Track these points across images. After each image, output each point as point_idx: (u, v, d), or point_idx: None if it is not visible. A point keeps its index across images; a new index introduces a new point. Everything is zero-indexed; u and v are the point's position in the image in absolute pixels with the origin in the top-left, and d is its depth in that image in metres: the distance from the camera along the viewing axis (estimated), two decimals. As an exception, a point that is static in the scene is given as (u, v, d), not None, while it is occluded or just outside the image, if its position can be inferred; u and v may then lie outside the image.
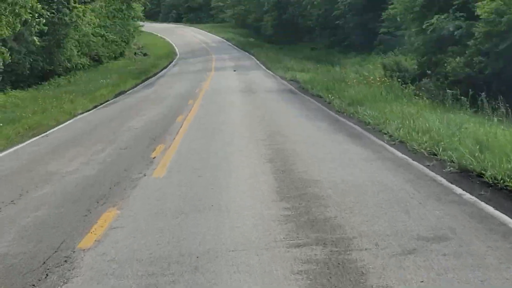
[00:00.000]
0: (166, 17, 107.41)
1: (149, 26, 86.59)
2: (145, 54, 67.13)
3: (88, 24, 43.89)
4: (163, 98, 26.69)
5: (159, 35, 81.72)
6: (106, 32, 53.05)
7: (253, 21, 75.51)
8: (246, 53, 58.79)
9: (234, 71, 41.13)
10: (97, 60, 53.57)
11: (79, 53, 46.24)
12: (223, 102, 23.39)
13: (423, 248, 6.32)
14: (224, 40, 74.75)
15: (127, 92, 32.59)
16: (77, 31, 42.85)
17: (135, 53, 66.48)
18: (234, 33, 79.52)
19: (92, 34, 49.22)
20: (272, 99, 23.54)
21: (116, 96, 30.76)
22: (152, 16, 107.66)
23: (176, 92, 29.08)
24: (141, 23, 70.50)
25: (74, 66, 44.63)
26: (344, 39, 49.22)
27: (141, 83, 38.05)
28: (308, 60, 44.25)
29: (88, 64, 46.79)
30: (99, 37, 51.87)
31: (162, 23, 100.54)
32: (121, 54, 62.09)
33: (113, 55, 58.42)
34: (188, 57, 58.84)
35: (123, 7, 59.05)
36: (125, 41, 63.23)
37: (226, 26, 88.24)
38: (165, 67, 50.72)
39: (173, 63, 55.23)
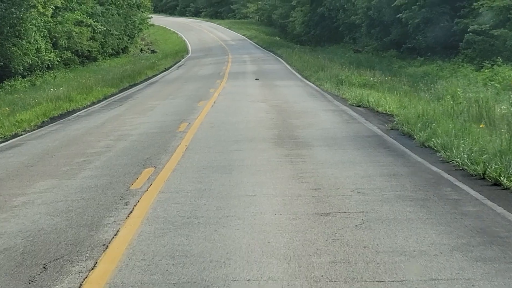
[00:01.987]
0: (183, 11, 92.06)
1: (163, 20, 72.81)
2: (153, 51, 53.47)
3: (55, 6, 28.58)
4: (107, 149, 11.05)
5: (173, 30, 66.71)
6: (94, 21, 37.77)
7: (279, 18, 60.16)
8: (272, 54, 43.29)
9: (257, 79, 25.82)
10: (86, 57, 38.89)
11: (48, 45, 31.29)
12: (227, 189, 7.50)
13: None
14: (246, 38, 59.19)
15: (73, 116, 17.39)
16: (35, 13, 27.61)
17: (141, 50, 52.52)
18: (258, 30, 64.28)
19: (70, 21, 34.12)
20: (377, 207, 6.83)
21: (42, 125, 15.68)
22: (168, 9, 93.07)
23: (147, 126, 13.58)
24: (149, 15, 55.80)
25: (39, 62, 29.84)
26: (405, 39, 33.65)
27: (113, 95, 22.87)
28: (354, 66, 28.66)
29: (58, 62, 31.65)
30: (85, 28, 36.70)
31: (179, 18, 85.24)
32: (124, 51, 47.91)
33: (113, 51, 43.90)
34: (200, 56, 43.85)
35: (122, -9, 43.83)
36: (129, 35, 49.02)
37: (248, 23, 72.94)
38: (167, 69, 35.66)
39: (180, 63, 40.12)
